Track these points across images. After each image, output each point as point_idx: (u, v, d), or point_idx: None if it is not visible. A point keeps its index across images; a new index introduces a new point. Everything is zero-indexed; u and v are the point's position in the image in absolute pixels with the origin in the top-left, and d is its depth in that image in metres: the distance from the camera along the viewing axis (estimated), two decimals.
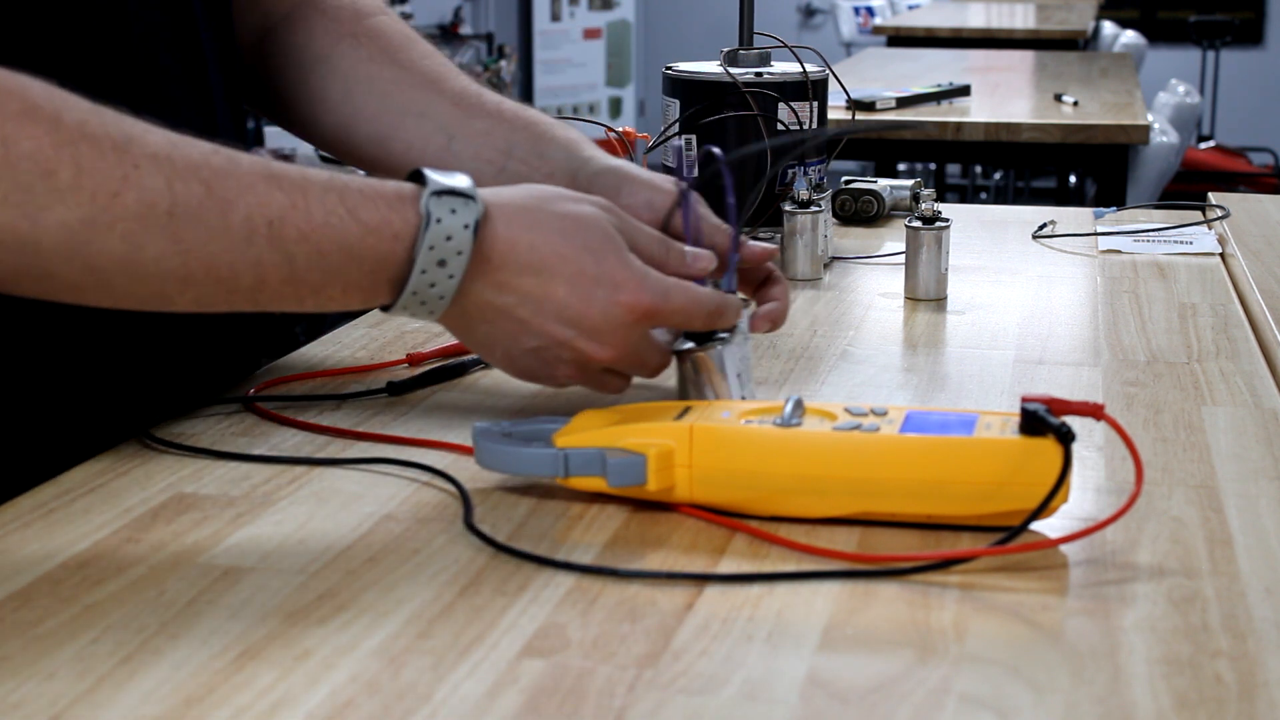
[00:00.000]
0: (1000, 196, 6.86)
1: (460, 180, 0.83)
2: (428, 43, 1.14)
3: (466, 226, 0.81)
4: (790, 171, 1.36)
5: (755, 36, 1.40)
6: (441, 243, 0.81)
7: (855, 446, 0.76)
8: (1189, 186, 4.72)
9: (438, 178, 0.83)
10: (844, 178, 1.60)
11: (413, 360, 1.06)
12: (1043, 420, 0.74)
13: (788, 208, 1.31)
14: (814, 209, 1.31)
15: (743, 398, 0.88)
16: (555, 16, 7.95)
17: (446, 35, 7.21)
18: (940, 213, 1.25)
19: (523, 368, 0.87)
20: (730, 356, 0.88)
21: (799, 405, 0.79)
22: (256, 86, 1.14)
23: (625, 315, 0.84)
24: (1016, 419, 0.76)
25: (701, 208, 0.97)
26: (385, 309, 0.84)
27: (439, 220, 0.81)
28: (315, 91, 1.11)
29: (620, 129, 1.40)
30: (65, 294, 0.78)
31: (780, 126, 1.35)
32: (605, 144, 1.16)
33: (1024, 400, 0.75)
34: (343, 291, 0.81)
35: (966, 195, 6.84)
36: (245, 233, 0.77)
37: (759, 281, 1.00)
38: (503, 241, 0.83)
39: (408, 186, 0.83)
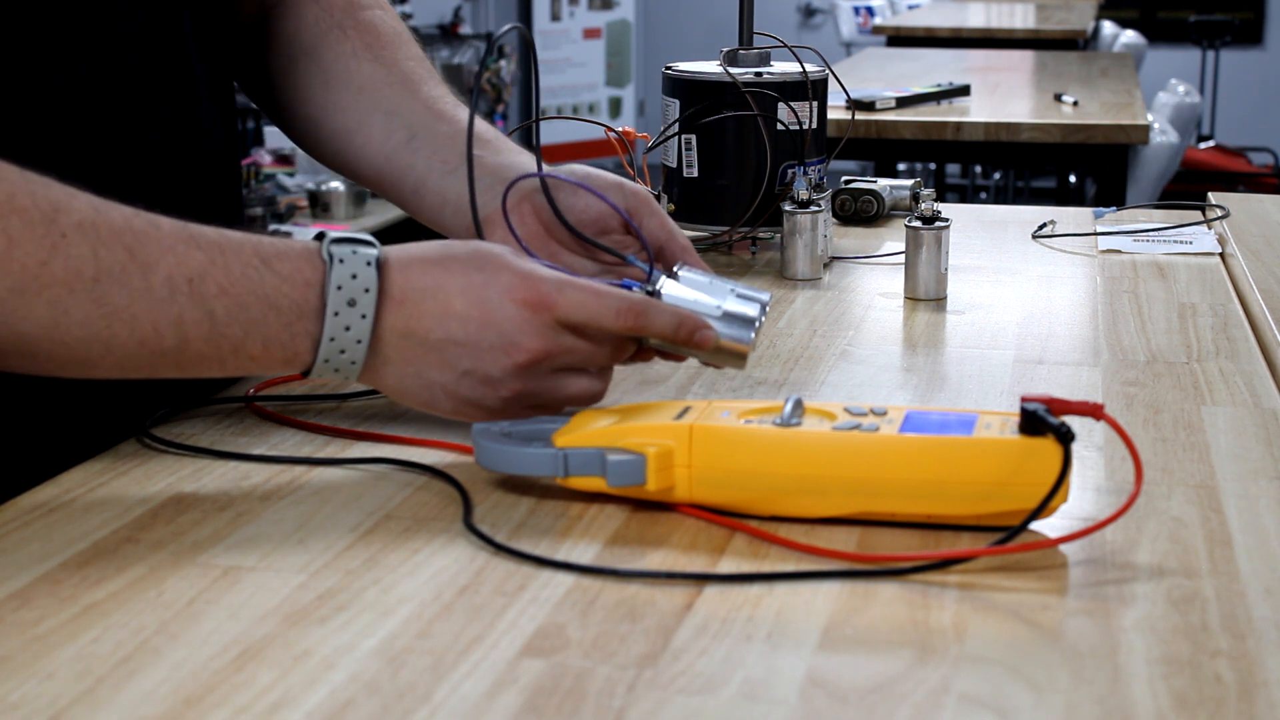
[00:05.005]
0: (1000, 196, 6.86)
1: (358, 233, 0.86)
2: (417, 45, 1.14)
3: (369, 264, 0.83)
4: (790, 171, 1.36)
5: (755, 36, 1.40)
6: (348, 281, 0.82)
7: (855, 446, 0.76)
8: (1189, 186, 4.72)
9: (336, 232, 0.85)
10: (844, 178, 1.60)
11: None
12: (1042, 420, 0.74)
13: (787, 208, 1.31)
14: (814, 209, 1.31)
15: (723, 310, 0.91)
16: (555, 16, 7.95)
17: (446, 35, 7.21)
18: (940, 213, 1.25)
19: (471, 399, 0.86)
20: (675, 288, 0.91)
21: (799, 405, 0.79)
22: (249, 70, 1.14)
23: (524, 311, 0.84)
24: (1016, 419, 0.76)
25: (652, 210, 1.00)
26: (306, 374, 0.84)
27: (341, 260, 0.83)
28: (298, 81, 1.12)
29: (620, 129, 1.40)
30: None
31: (780, 127, 1.35)
32: (605, 144, 1.17)
33: (1023, 400, 0.75)
34: (263, 348, 0.82)
35: (966, 195, 6.84)
36: (167, 291, 0.79)
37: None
38: (400, 275, 0.84)
39: (313, 242, 0.85)
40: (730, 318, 0.91)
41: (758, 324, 0.91)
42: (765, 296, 0.93)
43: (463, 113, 1.08)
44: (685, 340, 0.88)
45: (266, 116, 1.16)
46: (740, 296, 0.91)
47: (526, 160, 1.04)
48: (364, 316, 0.83)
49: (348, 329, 0.83)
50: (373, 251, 0.84)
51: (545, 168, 1.00)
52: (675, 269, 0.94)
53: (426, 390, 0.86)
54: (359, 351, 0.84)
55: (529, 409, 0.87)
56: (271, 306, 0.82)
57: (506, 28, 1.01)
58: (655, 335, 0.88)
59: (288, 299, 0.82)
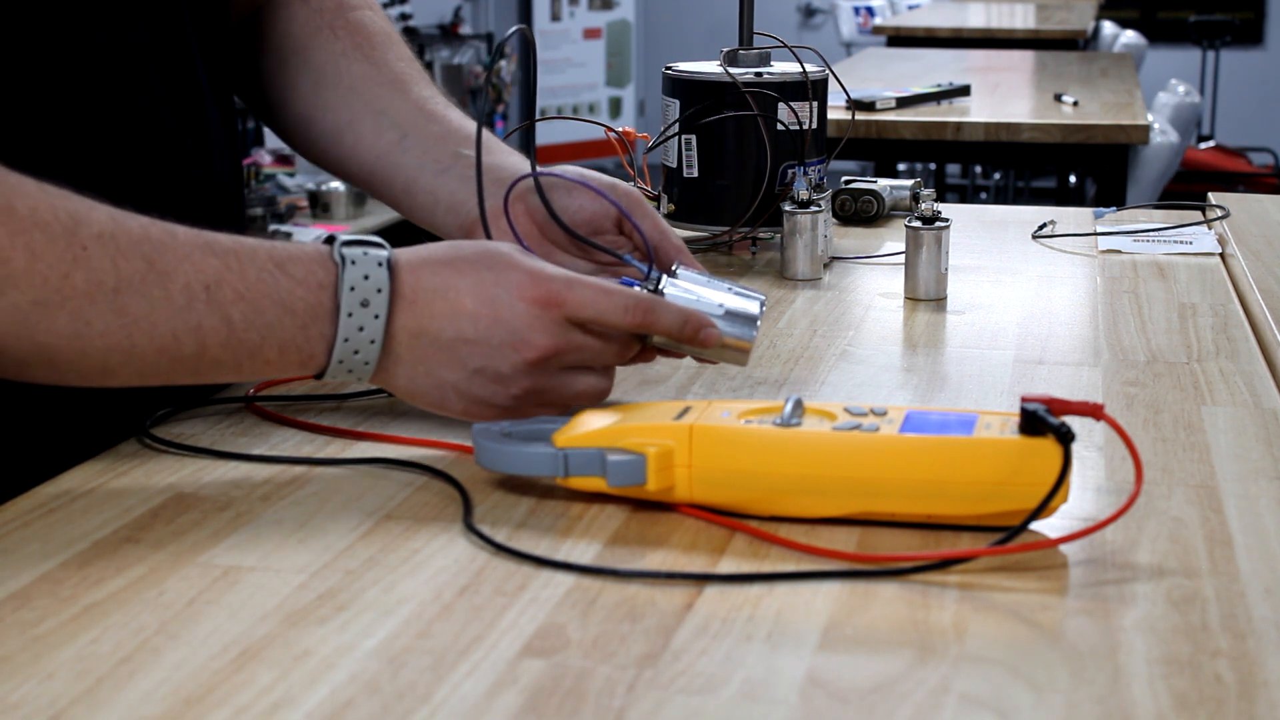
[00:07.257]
0: (1000, 196, 6.86)
1: (368, 236, 0.86)
2: (406, 46, 1.15)
3: (381, 264, 0.84)
4: (790, 171, 1.36)
5: (755, 36, 1.40)
6: (360, 282, 0.83)
7: (855, 446, 0.76)
8: (1189, 186, 4.73)
9: (346, 235, 0.86)
10: (844, 178, 1.60)
11: None
12: (1042, 420, 0.74)
13: (788, 208, 1.31)
14: (814, 209, 1.31)
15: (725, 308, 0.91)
16: (555, 16, 7.95)
17: (446, 35, 7.20)
18: (940, 213, 1.25)
19: (482, 397, 0.86)
20: (677, 287, 0.92)
21: (799, 405, 0.79)
22: (239, 69, 1.15)
23: (533, 308, 0.85)
24: (1016, 419, 0.76)
25: (646, 212, 1.00)
26: (320, 376, 0.85)
27: (353, 262, 0.84)
28: (289, 80, 1.12)
29: (620, 129, 1.40)
30: (9, 370, 0.80)
31: (780, 127, 1.35)
32: (605, 144, 1.17)
33: (1024, 400, 0.75)
34: (279, 352, 0.83)
35: (966, 195, 6.84)
36: (185, 299, 0.80)
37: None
38: (411, 275, 0.85)
39: (324, 245, 0.85)
40: (733, 315, 0.91)
41: (759, 321, 0.92)
42: (762, 296, 0.94)
43: (453, 113, 1.09)
44: (691, 338, 0.89)
45: (255, 115, 1.17)
46: (739, 294, 0.92)
47: (519, 161, 1.04)
48: (377, 316, 0.83)
49: (361, 329, 0.83)
50: (383, 253, 0.84)
51: (540, 169, 1.00)
52: (673, 268, 0.94)
53: (438, 389, 0.86)
54: (372, 351, 0.84)
55: (538, 407, 0.87)
56: (287, 310, 0.82)
57: (512, 30, 1.01)
58: (662, 332, 0.89)
59: (302, 302, 0.83)
